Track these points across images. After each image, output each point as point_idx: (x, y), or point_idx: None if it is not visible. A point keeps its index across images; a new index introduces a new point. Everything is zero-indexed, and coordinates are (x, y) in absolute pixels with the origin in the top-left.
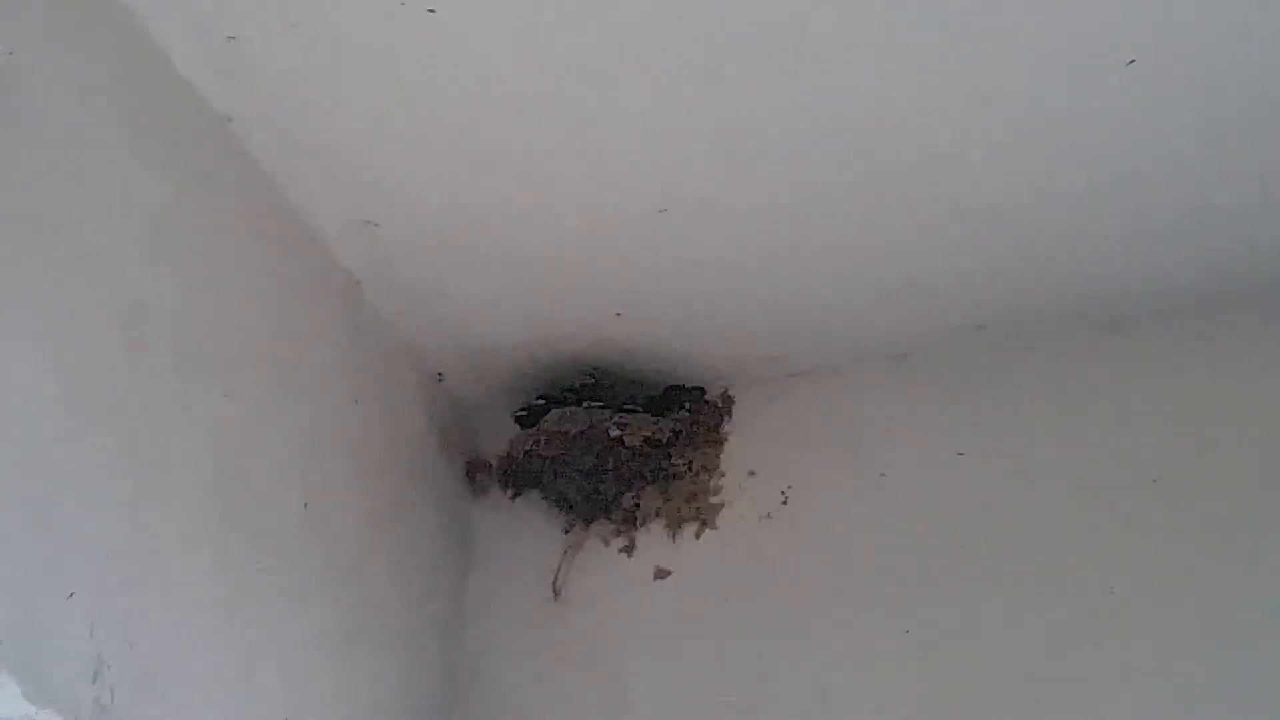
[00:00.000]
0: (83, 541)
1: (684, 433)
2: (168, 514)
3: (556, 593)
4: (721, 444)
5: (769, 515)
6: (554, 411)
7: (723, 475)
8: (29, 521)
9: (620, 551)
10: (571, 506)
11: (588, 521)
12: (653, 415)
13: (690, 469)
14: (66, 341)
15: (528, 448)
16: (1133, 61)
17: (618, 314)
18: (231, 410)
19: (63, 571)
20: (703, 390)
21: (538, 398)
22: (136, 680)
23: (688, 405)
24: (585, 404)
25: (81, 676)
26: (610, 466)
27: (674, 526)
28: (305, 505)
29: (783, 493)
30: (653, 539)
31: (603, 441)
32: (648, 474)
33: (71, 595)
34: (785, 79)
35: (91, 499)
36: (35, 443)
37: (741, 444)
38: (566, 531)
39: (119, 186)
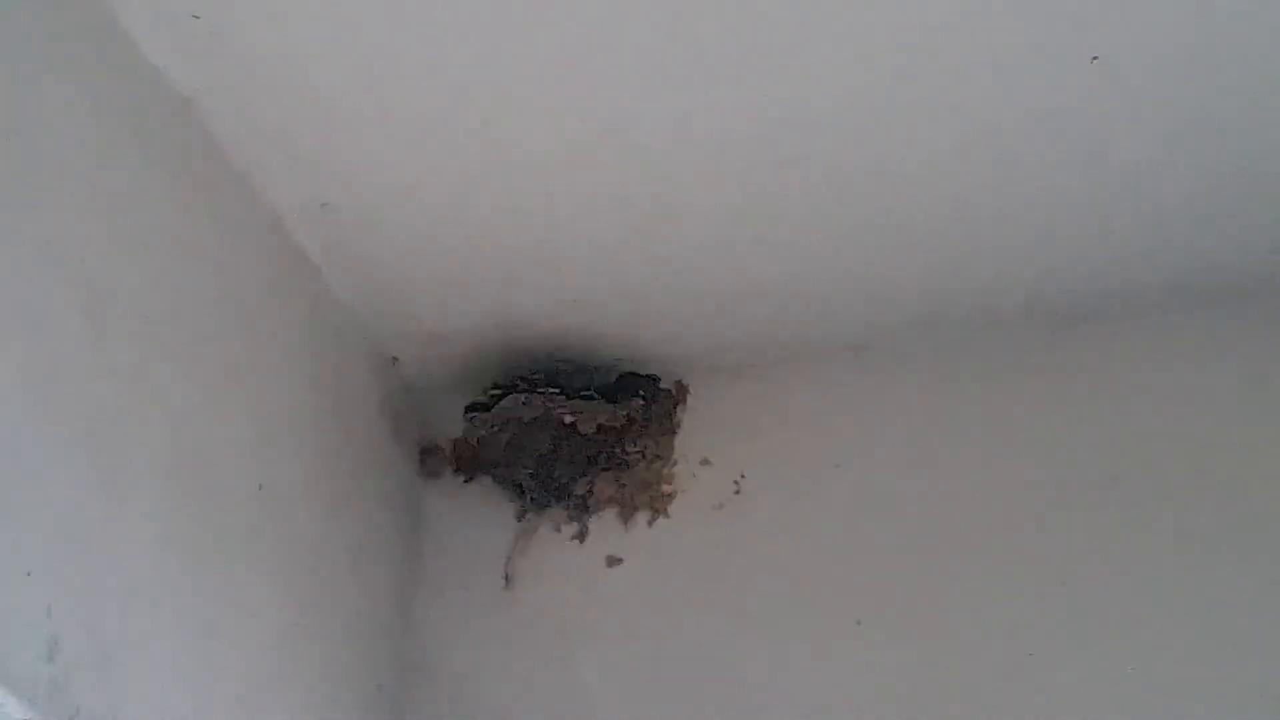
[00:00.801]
0: (41, 522)
1: (638, 421)
2: (126, 496)
3: (508, 579)
4: (675, 432)
5: (722, 505)
6: (508, 397)
7: (676, 464)
8: None
9: (573, 538)
10: (524, 492)
11: (540, 508)
12: (607, 402)
13: (644, 457)
14: (27, 325)
15: (481, 433)
16: (1096, 58)
17: (574, 301)
18: (190, 393)
19: (20, 551)
20: (657, 379)
21: (491, 388)
22: (93, 661)
23: (642, 393)
24: (540, 390)
25: (37, 656)
26: (564, 453)
27: (627, 514)
28: (260, 487)
29: (736, 482)
30: (605, 526)
31: (556, 428)
32: (601, 461)
33: (29, 574)
34: (749, 76)
35: (51, 480)
36: None
37: (695, 433)
38: (519, 518)
39: (80, 169)
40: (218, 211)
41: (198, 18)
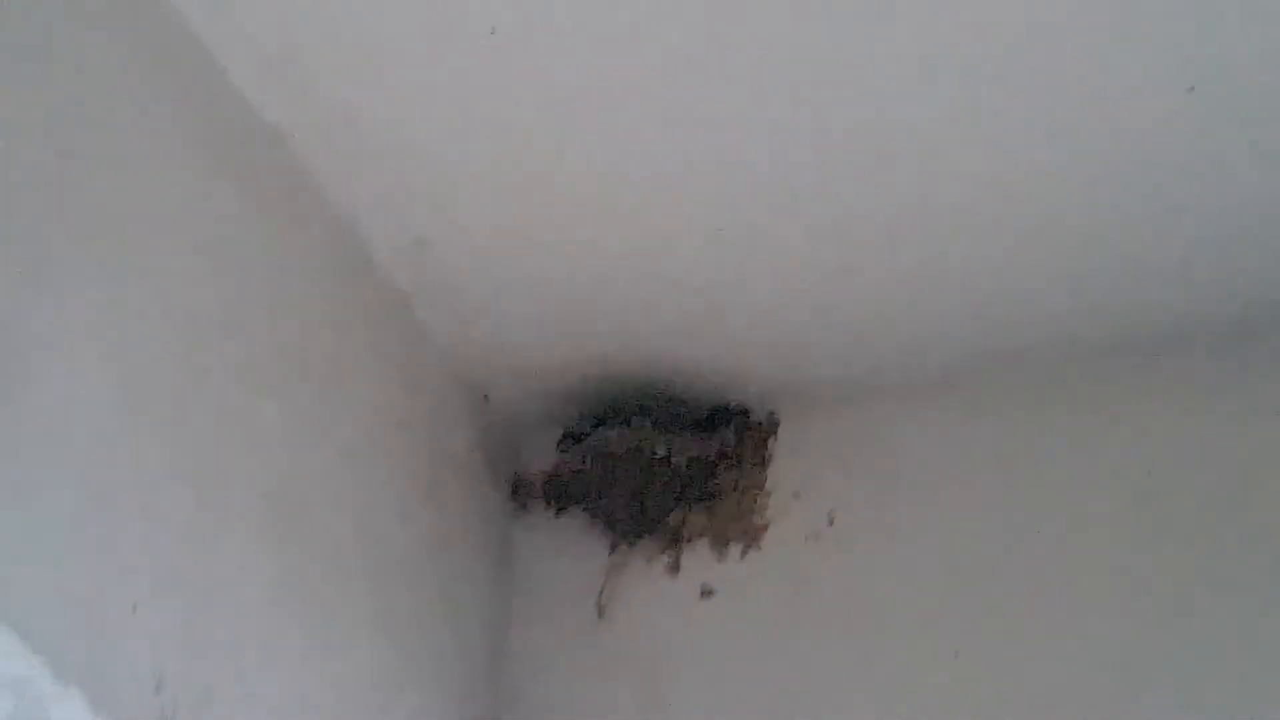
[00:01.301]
0: (145, 554)
1: (730, 453)
2: (226, 529)
3: (601, 611)
4: (767, 465)
5: (815, 536)
6: (600, 430)
7: (768, 496)
8: (93, 533)
9: (665, 570)
10: (616, 525)
11: (632, 540)
12: (699, 435)
13: (735, 489)
14: (128, 354)
15: (573, 466)
16: (1193, 89)
17: (666, 335)
18: (288, 430)
19: (126, 584)
20: (749, 411)
21: (583, 419)
22: (196, 695)
23: (733, 426)
24: (632, 424)
25: (144, 689)
26: (656, 485)
27: (719, 546)
28: (358, 524)
29: (828, 515)
30: (697, 558)
31: (649, 460)
32: (693, 493)
33: (135, 608)
34: (844, 101)
35: (153, 512)
36: (98, 455)
37: (787, 466)
38: (611, 550)
39: (179, 201)
40: (315, 247)
41: (293, 54)
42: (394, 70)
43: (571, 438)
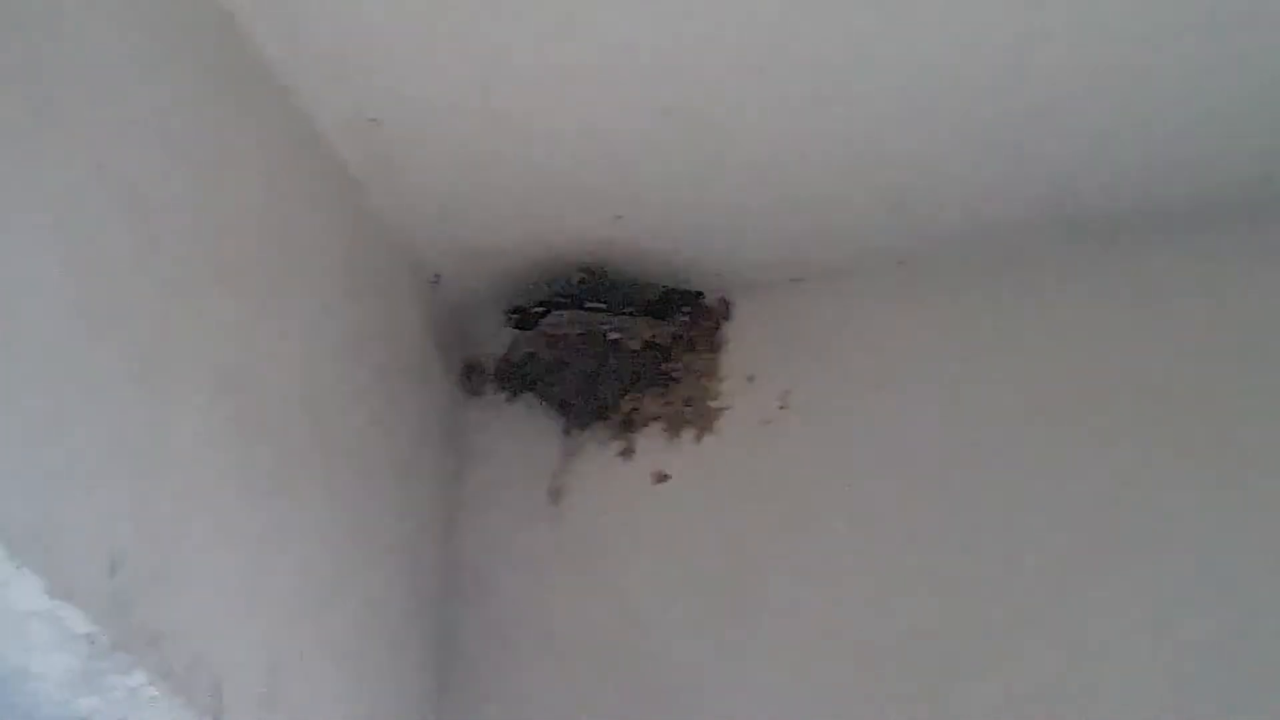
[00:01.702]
0: (98, 440)
1: (684, 337)
2: (179, 412)
3: (554, 495)
4: (720, 349)
5: (768, 420)
6: (552, 314)
7: (721, 380)
8: (47, 421)
9: (619, 455)
10: (569, 409)
11: (586, 425)
12: (652, 319)
13: (689, 373)
14: (77, 242)
15: (525, 350)
16: None
17: (618, 217)
18: (236, 308)
19: (79, 470)
20: (701, 294)
21: (535, 305)
22: (152, 575)
23: (686, 309)
24: (585, 307)
25: (99, 572)
26: (609, 370)
27: (673, 430)
28: (306, 404)
29: (782, 398)
30: (651, 443)
31: (601, 344)
32: (647, 378)
33: (88, 491)
34: None
35: (106, 397)
36: (50, 343)
37: (740, 349)
38: (564, 435)
39: (125, 84)
40: (264, 128)
41: None
42: None
43: (521, 312)
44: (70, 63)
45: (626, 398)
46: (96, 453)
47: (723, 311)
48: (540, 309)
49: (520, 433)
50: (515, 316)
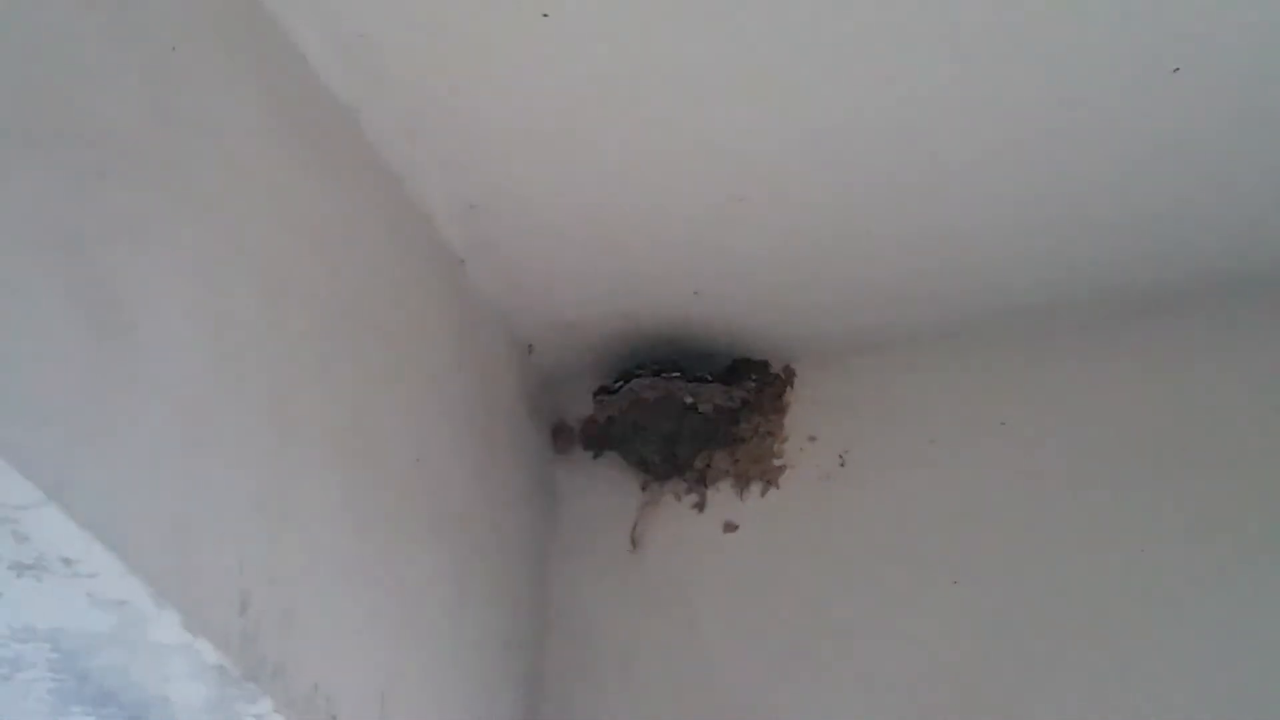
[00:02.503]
0: (232, 488)
1: (751, 402)
2: (304, 466)
3: (634, 543)
4: (784, 412)
5: (828, 477)
6: (634, 380)
7: (786, 440)
8: (186, 467)
9: (692, 507)
10: (648, 466)
11: (663, 480)
12: (723, 385)
13: (756, 434)
14: (217, 307)
15: (610, 413)
16: (1178, 69)
17: (695, 293)
18: (355, 374)
19: (215, 513)
20: (768, 364)
21: (617, 378)
22: (276, 613)
23: (754, 377)
24: (663, 375)
25: (231, 610)
26: (685, 431)
27: (741, 485)
28: (417, 460)
29: (840, 456)
30: (722, 496)
31: (678, 408)
32: (718, 438)
33: (223, 536)
34: (858, 77)
35: (240, 451)
36: (191, 396)
37: (803, 412)
38: (643, 489)
39: (260, 171)
40: (379, 212)
41: (363, 36)
42: (455, 52)
43: (607, 390)
44: (216, 157)
45: (700, 456)
46: (230, 503)
47: (787, 379)
48: (620, 383)
49: (604, 488)
50: (602, 393)
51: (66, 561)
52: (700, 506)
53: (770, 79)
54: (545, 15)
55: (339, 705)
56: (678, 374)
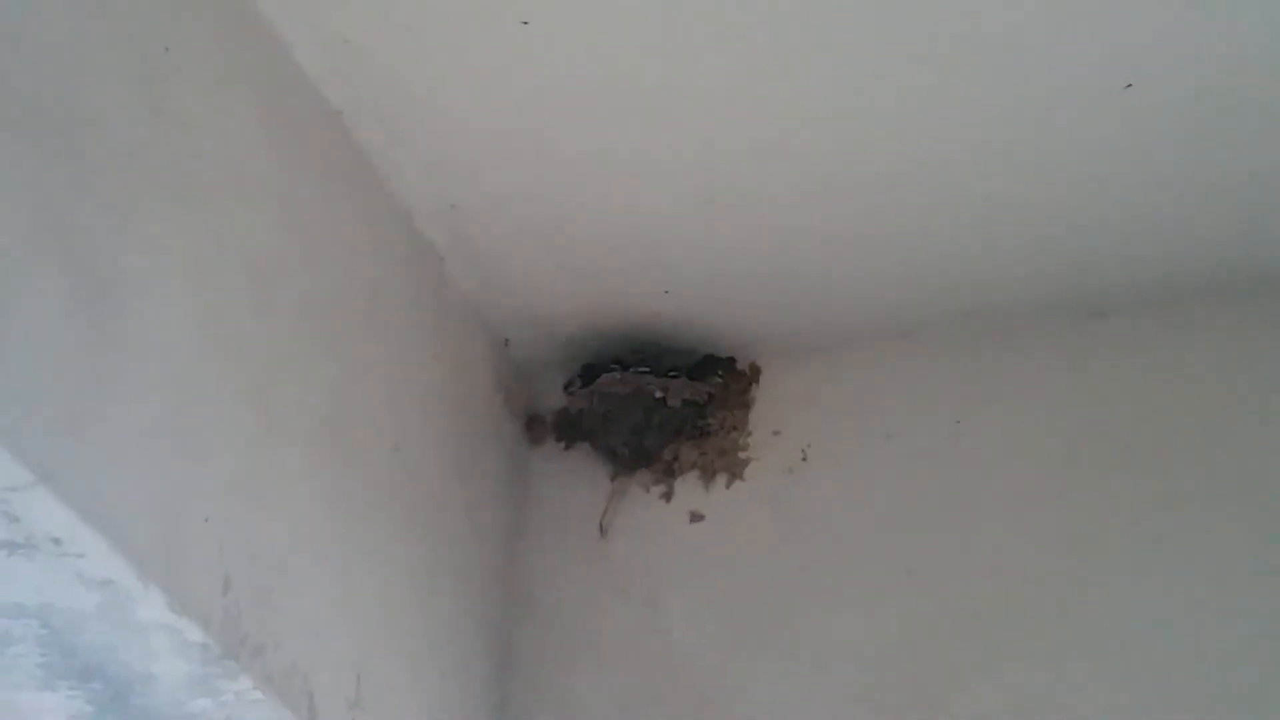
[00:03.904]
0: (217, 472)
1: (718, 396)
2: (285, 452)
3: (603, 531)
4: (750, 407)
5: (791, 470)
6: (605, 375)
7: (750, 434)
8: (175, 453)
9: (660, 497)
10: (618, 457)
11: (632, 471)
12: (691, 380)
13: (722, 428)
14: (205, 296)
15: (581, 405)
16: (1130, 86)
17: (665, 291)
18: (337, 365)
19: (199, 496)
20: (734, 360)
21: (581, 368)
22: (257, 593)
23: (721, 373)
24: (633, 369)
25: (214, 590)
26: (654, 424)
27: (707, 477)
28: (395, 448)
29: (802, 450)
30: (689, 487)
31: (647, 402)
32: (685, 431)
33: (207, 519)
34: (824, 85)
35: (224, 437)
36: (178, 381)
37: (767, 408)
38: (613, 479)
39: (250, 169)
40: (362, 210)
41: (348, 41)
42: (438, 57)
43: (579, 379)
44: (207, 154)
45: (668, 448)
46: (214, 487)
47: (753, 375)
48: (577, 381)
49: (575, 477)
50: (571, 385)
51: (56, 541)
52: (668, 497)
53: (738, 85)
54: (525, 23)
55: (316, 683)
56: (648, 369)
